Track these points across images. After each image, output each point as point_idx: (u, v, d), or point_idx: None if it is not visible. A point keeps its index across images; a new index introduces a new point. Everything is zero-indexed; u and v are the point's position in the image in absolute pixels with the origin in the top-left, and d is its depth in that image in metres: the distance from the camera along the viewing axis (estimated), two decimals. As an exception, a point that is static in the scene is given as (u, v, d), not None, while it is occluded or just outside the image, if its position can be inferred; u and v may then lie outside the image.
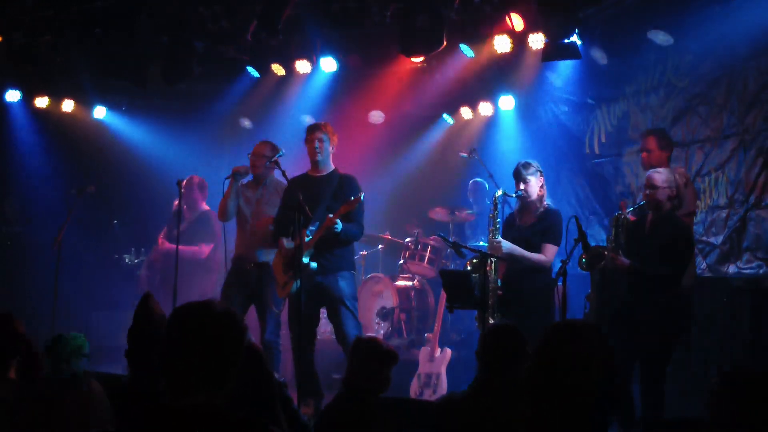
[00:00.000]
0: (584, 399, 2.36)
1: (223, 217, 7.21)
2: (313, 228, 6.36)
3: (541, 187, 6.21)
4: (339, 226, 6.23)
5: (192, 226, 8.45)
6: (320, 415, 4.68)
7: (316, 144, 6.59)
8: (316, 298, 6.49)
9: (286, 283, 6.42)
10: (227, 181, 7.03)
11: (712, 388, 3.13)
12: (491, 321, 5.96)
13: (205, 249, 8.46)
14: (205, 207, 8.63)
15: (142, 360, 3.51)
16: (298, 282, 6.21)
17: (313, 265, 6.32)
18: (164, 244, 8.63)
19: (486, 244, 6.36)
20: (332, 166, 6.71)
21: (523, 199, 6.21)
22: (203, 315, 2.52)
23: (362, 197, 6.26)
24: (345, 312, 6.43)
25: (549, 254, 6.14)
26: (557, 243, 6.13)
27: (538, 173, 6.19)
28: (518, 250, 6.09)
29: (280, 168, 6.56)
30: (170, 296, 7.08)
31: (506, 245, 6.06)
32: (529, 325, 4.76)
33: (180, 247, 8.06)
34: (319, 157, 6.61)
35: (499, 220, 6.24)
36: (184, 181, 8.48)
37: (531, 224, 6.22)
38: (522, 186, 6.17)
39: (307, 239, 6.31)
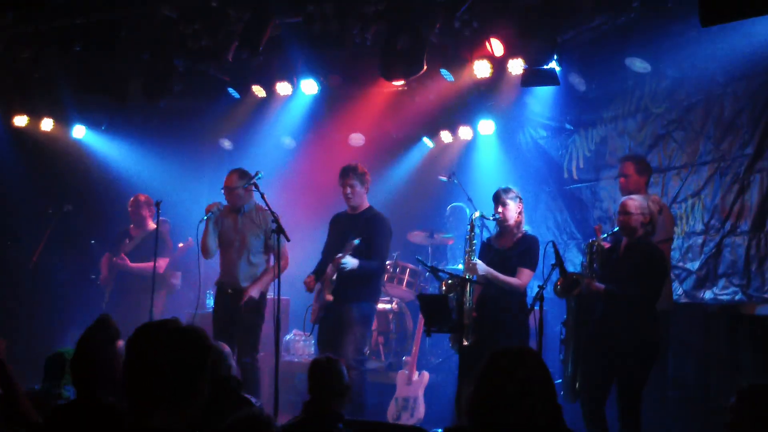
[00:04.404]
0: (526, 421, 2.38)
1: (206, 255, 7.24)
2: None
3: (520, 213, 6.29)
4: (347, 264, 6.57)
5: (144, 243, 8.41)
6: None
7: (348, 191, 6.92)
8: (335, 324, 6.79)
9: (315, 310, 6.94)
10: (202, 224, 7.07)
11: (729, 405, 3.21)
12: (465, 343, 5.99)
13: (162, 263, 8.34)
14: (153, 225, 8.49)
15: (88, 381, 3.48)
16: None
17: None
18: (123, 259, 8.51)
19: (464, 268, 6.39)
20: (366, 204, 7.04)
21: (501, 222, 6.26)
22: (164, 333, 2.52)
23: (356, 242, 6.59)
24: (350, 338, 6.71)
25: (524, 278, 6.19)
26: (533, 268, 6.21)
27: (518, 199, 6.29)
28: (494, 272, 6.13)
29: (258, 190, 6.60)
30: (128, 313, 7.15)
31: (482, 267, 6.11)
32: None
33: (137, 264, 8.29)
34: (352, 203, 6.96)
35: (476, 242, 6.30)
36: (131, 200, 8.51)
37: (508, 248, 6.28)
38: (500, 209, 6.23)
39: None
